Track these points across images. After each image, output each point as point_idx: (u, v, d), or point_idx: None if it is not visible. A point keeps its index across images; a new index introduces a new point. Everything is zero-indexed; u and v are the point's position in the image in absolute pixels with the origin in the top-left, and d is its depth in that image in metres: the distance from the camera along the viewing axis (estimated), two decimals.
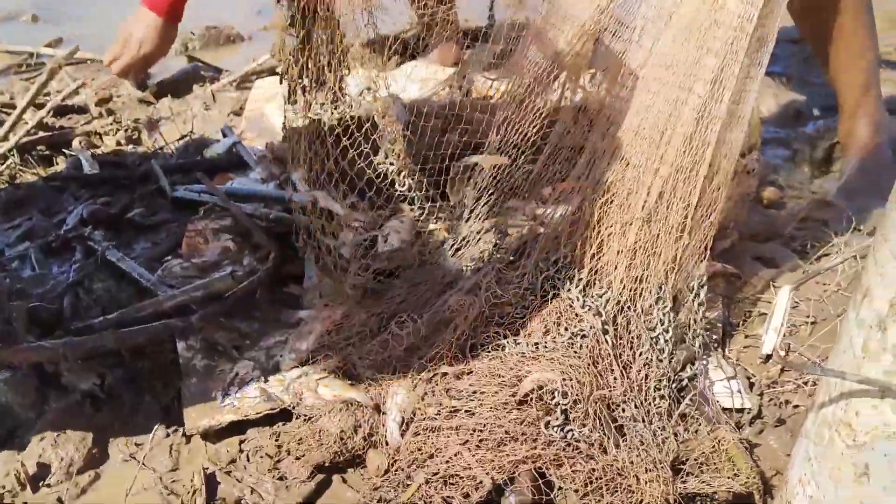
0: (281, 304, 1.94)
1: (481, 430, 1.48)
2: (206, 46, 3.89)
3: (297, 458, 1.52)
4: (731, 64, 1.66)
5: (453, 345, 1.66)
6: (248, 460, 1.56)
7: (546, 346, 1.65)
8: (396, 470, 1.48)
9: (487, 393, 1.55)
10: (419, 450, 1.48)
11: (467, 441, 1.47)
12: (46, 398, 1.71)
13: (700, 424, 1.60)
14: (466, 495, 1.40)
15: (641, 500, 1.41)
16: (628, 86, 1.82)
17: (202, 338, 1.79)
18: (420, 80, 2.96)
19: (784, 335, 1.78)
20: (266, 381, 1.68)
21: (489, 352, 1.66)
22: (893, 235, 1.03)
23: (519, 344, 1.67)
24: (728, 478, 1.47)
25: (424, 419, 1.53)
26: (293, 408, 1.62)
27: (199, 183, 2.36)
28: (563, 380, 1.52)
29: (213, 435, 1.62)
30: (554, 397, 1.51)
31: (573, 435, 1.49)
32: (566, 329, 1.69)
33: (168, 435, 1.64)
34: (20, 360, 1.73)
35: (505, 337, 1.68)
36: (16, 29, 4.29)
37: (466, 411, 1.53)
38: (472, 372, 1.62)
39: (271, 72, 3.27)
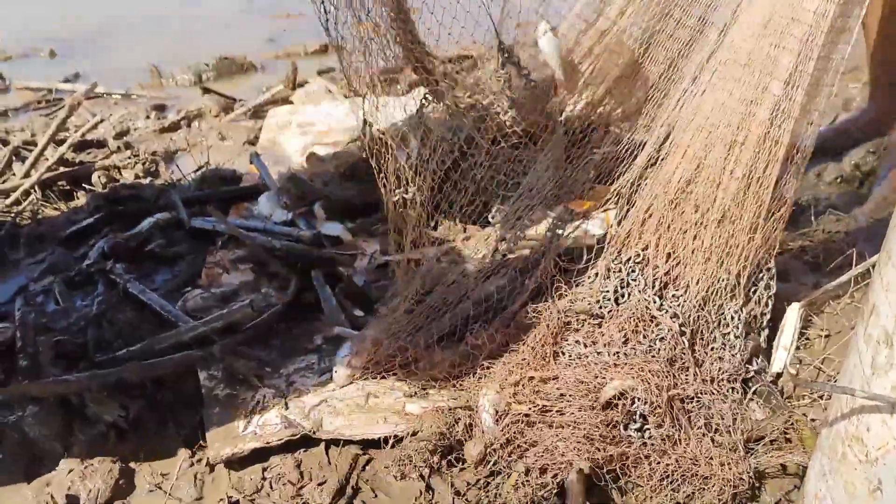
0: (300, 332, 1.97)
1: (573, 427, 1.55)
2: (219, 77, 3.97)
3: None
4: (805, 61, 1.67)
5: (537, 353, 1.72)
6: (272, 488, 1.58)
7: (626, 355, 1.70)
8: (496, 460, 1.54)
9: (575, 396, 1.62)
10: (516, 441, 1.55)
11: (561, 435, 1.54)
12: (72, 430, 1.75)
13: (774, 406, 1.66)
14: (556, 476, 1.49)
15: (715, 484, 1.48)
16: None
17: (223, 367, 1.82)
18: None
19: (798, 348, 1.82)
20: (287, 408, 1.71)
21: (572, 359, 1.72)
22: None
23: (601, 353, 1.71)
24: (798, 454, 1.54)
25: (519, 415, 1.59)
26: (314, 433, 1.64)
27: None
28: (644, 388, 1.59)
29: (237, 463, 1.64)
30: (634, 403, 1.59)
31: (650, 434, 1.58)
32: (644, 336, 1.73)
33: (192, 464, 1.67)
34: (46, 393, 1.77)
35: (585, 346, 1.73)
36: (34, 65, 4.40)
37: (557, 411, 1.60)
38: (557, 377, 1.68)
39: (284, 101, 3.33)
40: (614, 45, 2.18)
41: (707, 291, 1.76)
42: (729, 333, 1.74)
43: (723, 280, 1.76)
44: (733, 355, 1.71)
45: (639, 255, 1.80)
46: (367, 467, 1.61)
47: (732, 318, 1.74)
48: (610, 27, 2.22)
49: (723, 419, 1.59)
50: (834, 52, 1.66)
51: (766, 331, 1.77)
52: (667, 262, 1.79)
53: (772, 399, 1.67)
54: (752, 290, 1.78)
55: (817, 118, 1.72)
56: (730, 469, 1.50)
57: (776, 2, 1.68)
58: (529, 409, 1.59)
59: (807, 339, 1.87)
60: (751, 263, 1.76)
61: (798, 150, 1.73)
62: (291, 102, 3.33)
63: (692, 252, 1.76)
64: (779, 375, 1.63)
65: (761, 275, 1.78)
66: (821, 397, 1.71)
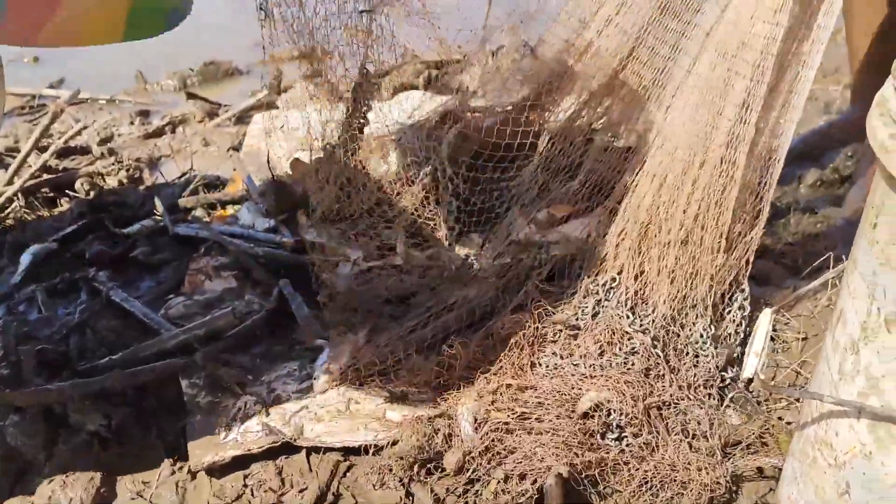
0: (282, 339, 1.98)
1: (552, 433, 1.57)
2: (204, 82, 3.96)
3: None
4: (758, 86, 1.71)
5: (515, 363, 1.74)
6: (253, 495, 1.59)
7: (602, 367, 1.73)
8: (475, 468, 1.56)
9: (552, 405, 1.64)
10: (495, 448, 1.57)
11: (540, 441, 1.56)
12: (55, 439, 1.75)
13: (750, 411, 1.70)
14: (535, 482, 1.51)
15: (693, 489, 1.50)
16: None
17: (205, 375, 1.83)
18: (413, 109, 3.02)
19: (776, 352, 1.84)
20: (268, 415, 1.72)
21: (549, 370, 1.74)
22: (863, 261, 1.07)
23: (577, 365, 1.74)
24: (774, 457, 1.57)
25: (498, 423, 1.61)
26: (295, 440, 1.65)
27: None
28: (619, 399, 1.62)
29: (218, 470, 1.65)
30: (610, 414, 1.61)
31: (628, 442, 1.60)
32: (620, 349, 1.76)
33: (174, 472, 1.68)
34: (29, 402, 1.77)
35: (562, 357, 1.75)
36: (18, 70, 4.37)
37: (536, 418, 1.62)
38: (535, 387, 1.69)
39: (270, 106, 3.33)
40: (594, 61, 2.20)
41: (674, 310, 1.80)
42: (700, 345, 1.77)
43: (692, 298, 1.79)
44: (707, 363, 1.74)
45: (614, 279, 1.84)
46: (347, 474, 1.62)
47: (702, 335, 1.78)
48: (588, 46, 2.25)
49: (699, 424, 1.62)
50: (788, 73, 1.69)
51: (740, 340, 1.81)
52: (635, 281, 1.83)
53: (748, 405, 1.69)
54: (726, 309, 1.82)
55: (783, 139, 1.75)
56: (707, 474, 1.52)
57: (732, 29, 1.72)
58: (508, 416, 1.61)
59: (784, 342, 1.90)
60: (718, 283, 1.80)
61: (768, 172, 1.77)
62: (277, 107, 3.33)
63: (657, 272, 1.80)
64: (750, 381, 1.66)
65: (734, 295, 1.82)
66: (797, 401, 1.73)
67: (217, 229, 2.36)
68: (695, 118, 1.77)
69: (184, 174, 2.88)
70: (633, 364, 1.70)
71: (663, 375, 1.68)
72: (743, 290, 1.84)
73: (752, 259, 1.83)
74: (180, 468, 1.68)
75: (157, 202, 2.55)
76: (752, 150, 1.75)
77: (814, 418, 1.20)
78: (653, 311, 1.81)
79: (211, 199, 2.64)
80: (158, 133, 3.29)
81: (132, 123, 3.41)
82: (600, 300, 1.84)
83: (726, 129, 1.73)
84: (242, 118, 3.34)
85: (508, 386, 1.67)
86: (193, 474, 1.66)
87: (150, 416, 1.82)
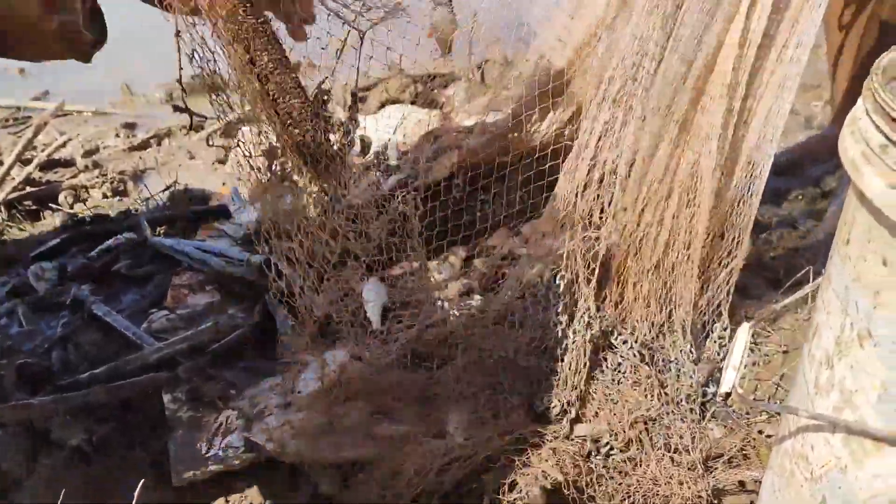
0: (266, 353, 1.98)
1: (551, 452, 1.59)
2: (192, 94, 3.96)
3: None
4: (716, 116, 1.73)
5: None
6: None
7: (596, 379, 1.76)
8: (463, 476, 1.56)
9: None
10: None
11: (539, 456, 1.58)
12: (37, 455, 1.74)
13: (731, 426, 1.71)
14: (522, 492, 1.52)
15: (675, 503, 1.52)
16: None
17: (188, 389, 1.82)
18: (397, 123, 3.03)
19: (756, 364, 1.86)
20: (251, 430, 1.72)
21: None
22: (836, 276, 1.08)
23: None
24: (755, 470, 1.58)
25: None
26: (277, 456, 1.65)
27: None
28: (609, 429, 1.65)
29: (200, 486, 1.64)
30: (605, 441, 1.64)
31: (613, 459, 1.62)
32: (608, 366, 1.79)
33: (157, 488, 1.67)
34: (10, 417, 1.76)
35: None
36: (3, 83, 4.36)
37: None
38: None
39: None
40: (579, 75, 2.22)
41: (651, 333, 1.83)
42: (681, 362, 1.80)
43: (670, 322, 1.83)
44: (689, 378, 1.75)
45: (598, 307, 1.85)
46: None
47: (682, 351, 1.81)
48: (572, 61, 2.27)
49: (682, 438, 1.63)
50: (767, 89, 1.71)
51: (721, 357, 1.84)
52: (615, 308, 1.85)
53: (728, 419, 1.70)
54: (705, 337, 1.87)
55: (758, 177, 1.78)
56: (689, 488, 1.54)
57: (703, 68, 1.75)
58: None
59: (766, 355, 1.91)
60: (697, 310, 1.84)
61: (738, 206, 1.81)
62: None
63: (634, 299, 1.83)
64: (728, 395, 1.67)
65: (714, 325, 1.86)
66: (777, 414, 1.75)
67: (192, 244, 2.35)
68: (661, 147, 1.80)
69: (168, 187, 2.88)
70: (621, 379, 1.72)
71: (649, 389, 1.69)
72: (723, 321, 1.88)
73: (731, 291, 1.86)
74: (163, 483, 1.67)
75: (143, 221, 2.54)
76: (729, 175, 1.77)
77: (791, 432, 1.21)
78: (632, 333, 1.84)
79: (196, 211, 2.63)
80: (144, 146, 3.29)
81: (118, 136, 3.41)
82: (584, 319, 1.84)
83: (691, 160, 1.76)
84: (228, 131, 3.34)
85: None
86: (176, 490, 1.65)
87: (133, 431, 1.81)
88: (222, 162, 3.06)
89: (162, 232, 2.53)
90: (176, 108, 3.67)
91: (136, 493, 1.62)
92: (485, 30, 2.84)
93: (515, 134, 2.47)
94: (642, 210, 1.85)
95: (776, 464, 1.27)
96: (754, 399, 1.75)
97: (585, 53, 2.42)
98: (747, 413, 1.76)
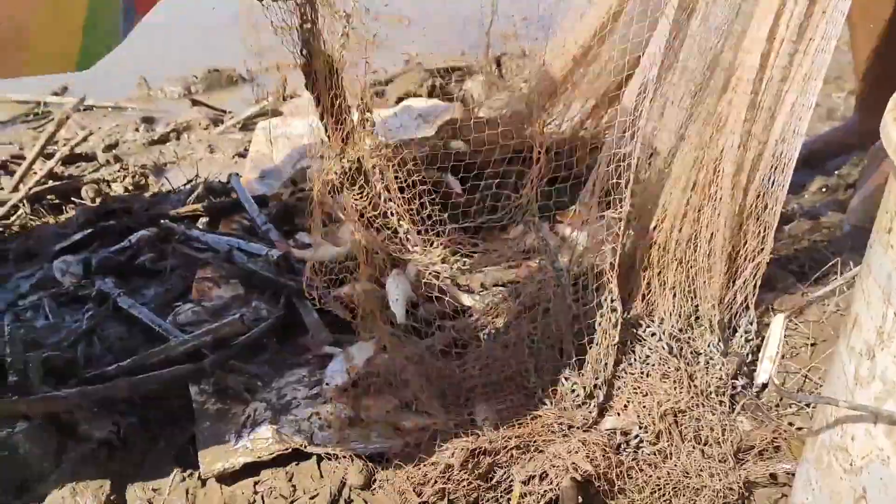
0: (291, 345, 1.98)
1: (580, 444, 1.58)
2: (208, 89, 3.97)
3: None
4: (741, 110, 1.73)
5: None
6: (264, 501, 1.59)
7: (625, 371, 1.75)
8: (493, 468, 1.55)
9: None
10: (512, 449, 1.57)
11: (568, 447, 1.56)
12: (63, 447, 1.74)
13: (761, 417, 1.70)
14: (552, 482, 1.51)
15: (706, 496, 1.50)
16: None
17: (214, 381, 1.82)
18: (418, 115, 3.03)
19: (784, 357, 1.84)
20: (278, 421, 1.72)
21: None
22: (877, 266, 1.07)
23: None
24: (787, 462, 1.57)
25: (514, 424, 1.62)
26: (305, 447, 1.65)
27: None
28: (639, 421, 1.64)
29: (228, 477, 1.64)
30: (634, 433, 1.63)
31: (643, 450, 1.61)
32: (636, 359, 1.77)
33: (184, 479, 1.67)
34: (36, 410, 1.76)
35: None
36: (21, 77, 4.38)
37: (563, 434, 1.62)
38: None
39: (274, 113, 3.34)
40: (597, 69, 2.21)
41: (680, 324, 1.83)
42: (710, 354, 1.79)
43: (697, 314, 1.83)
44: (717, 371, 1.74)
45: (623, 299, 1.84)
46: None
47: (710, 345, 1.79)
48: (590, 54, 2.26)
49: (712, 431, 1.61)
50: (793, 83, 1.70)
51: (749, 350, 1.82)
52: (641, 300, 1.85)
53: (758, 412, 1.69)
54: (732, 330, 1.85)
55: (783, 171, 1.77)
56: (720, 480, 1.52)
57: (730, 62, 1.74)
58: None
59: (793, 347, 1.90)
60: (724, 303, 1.83)
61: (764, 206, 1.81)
62: (281, 114, 3.34)
63: (661, 291, 1.84)
64: (764, 386, 1.65)
65: (741, 318, 1.85)
66: (807, 406, 1.73)
67: (212, 238, 2.36)
68: (689, 139, 1.79)
69: (189, 181, 2.88)
70: (647, 375, 1.71)
71: (678, 381, 1.68)
72: (750, 316, 1.86)
73: (758, 284, 1.85)
74: (190, 475, 1.68)
75: (164, 209, 2.55)
76: (755, 169, 1.76)
77: (828, 424, 1.19)
78: (659, 325, 1.83)
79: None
80: (163, 140, 3.30)
81: (137, 130, 3.42)
82: (614, 308, 1.83)
83: (715, 155, 1.75)
84: (247, 125, 3.35)
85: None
86: (204, 481, 1.65)
87: (159, 424, 1.81)
88: (242, 155, 3.06)
89: (184, 226, 2.53)
90: (194, 103, 3.68)
91: (166, 484, 1.64)
92: (502, 23, 2.83)
93: (528, 126, 2.47)
94: (665, 203, 1.84)
95: (812, 456, 1.26)
96: (790, 391, 1.74)
97: (598, 48, 2.42)
98: (777, 406, 1.74)
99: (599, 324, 1.72)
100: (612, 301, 1.73)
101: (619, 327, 1.74)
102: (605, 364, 1.69)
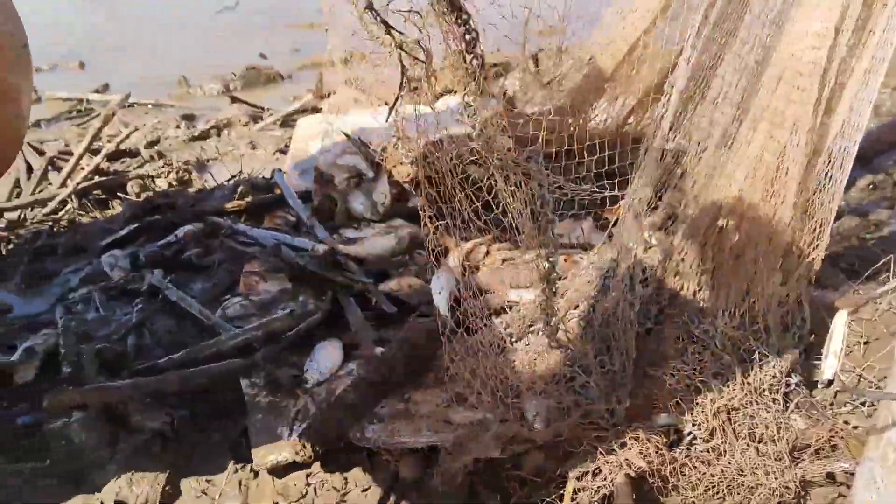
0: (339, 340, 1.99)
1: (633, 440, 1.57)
2: (247, 86, 4.01)
3: None
4: (805, 107, 1.69)
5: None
6: (316, 494, 1.60)
7: (677, 369, 1.73)
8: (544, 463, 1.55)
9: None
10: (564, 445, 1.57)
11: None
12: (116, 438, 1.77)
13: (815, 416, 1.67)
14: (606, 479, 1.50)
15: (761, 494, 1.49)
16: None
17: (265, 375, 1.84)
18: (455, 111, 3.02)
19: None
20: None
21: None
22: None
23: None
24: (845, 461, 1.54)
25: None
26: (356, 441, 1.65)
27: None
28: (692, 419, 1.63)
29: (281, 469, 1.66)
30: (687, 430, 1.61)
31: (697, 449, 1.60)
32: (691, 354, 1.76)
33: (237, 471, 1.69)
34: (92, 400, 1.79)
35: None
36: (64, 76, 4.46)
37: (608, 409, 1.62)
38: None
39: (314, 110, 3.36)
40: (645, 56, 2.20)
41: (731, 322, 1.80)
42: (763, 351, 1.76)
43: (752, 312, 1.80)
44: (771, 369, 1.72)
45: (675, 294, 1.83)
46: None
47: (763, 343, 1.77)
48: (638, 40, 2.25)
49: (767, 429, 1.60)
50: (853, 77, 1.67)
51: (804, 345, 1.80)
52: (694, 296, 1.83)
53: (813, 410, 1.67)
54: (785, 328, 1.82)
55: (841, 166, 1.73)
56: (775, 478, 1.51)
57: (787, 57, 1.71)
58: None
59: (846, 346, 1.87)
60: (778, 300, 1.80)
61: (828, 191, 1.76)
62: (320, 111, 3.36)
63: (714, 289, 1.82)
64: (830, 382, 1.63)
65: (794, 320, 1.82)
66: (863, 404, 1.71)
67: (257, 232, 2.38)
68: (756, 140, 1.76)
69: (233, 177, 2.91)
70: (701, 371, 1.69)
71: (732, 379, 1.66)
72: (804, 319, 1.84)
73: (812, 281, 1.82)
74: (243, 467, 1.69)
75: (209, 204, 2.58)
76: (812, 165, 1.73)
77: (894, 420, 1.18)
78: (713, 323, 1.81)
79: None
80: (204, 136, 3.33)
81: (178, 127, 3.46)
82: (662, 309, 1.83)
83: (775, 150, 1.71)
84: (287, 122, 3.37)
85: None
86: (256, 473, 1.67)
87: (211, 416, 1.83)
88: (283, 151, 3.08)
89: (230, 220, 2.56)
90: (233, 100, 3.71)
91: (220, 475, 1.66)
92: (538, 20, 2.82)
93: (571, 120, 2.46)
94: (718, 199, 1.82)
95: (877, 454, 1.24)
96: (860, 389, 1.71)
97: (643, 49, 2.40)
98: (831, 404, 1.72)
99: (651, 319, 1.71)
100: (661, 299, 1.73)
101: (663, 324, 1.74)
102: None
